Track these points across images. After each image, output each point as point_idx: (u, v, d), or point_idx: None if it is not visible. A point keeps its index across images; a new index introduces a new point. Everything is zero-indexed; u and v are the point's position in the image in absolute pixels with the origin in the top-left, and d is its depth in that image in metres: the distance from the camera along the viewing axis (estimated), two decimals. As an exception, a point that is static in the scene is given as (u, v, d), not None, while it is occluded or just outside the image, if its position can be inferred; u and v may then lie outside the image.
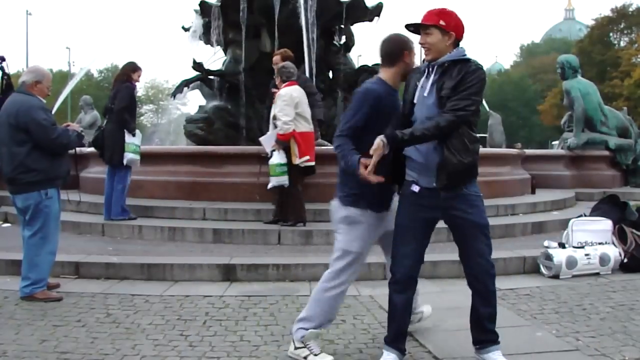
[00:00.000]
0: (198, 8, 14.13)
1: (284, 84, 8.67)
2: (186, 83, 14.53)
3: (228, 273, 7.00)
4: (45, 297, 6.07)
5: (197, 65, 13.94)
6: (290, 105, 8.45)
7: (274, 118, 8.56)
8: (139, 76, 9.87)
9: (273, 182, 8.57)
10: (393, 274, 4.29)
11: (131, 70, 9.79)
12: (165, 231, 8.88)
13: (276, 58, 9.53)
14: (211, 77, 14.47)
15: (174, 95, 15.10)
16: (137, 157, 9.57)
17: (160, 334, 5.06)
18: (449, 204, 4.09)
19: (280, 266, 7.10)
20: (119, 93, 9.61)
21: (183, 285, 6.76)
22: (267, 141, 8.70)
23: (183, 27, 14.96)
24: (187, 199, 10.17)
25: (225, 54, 14.84)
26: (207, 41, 14.63)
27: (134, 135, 9.50)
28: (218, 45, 14.62)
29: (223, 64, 14.72)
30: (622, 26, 67.37)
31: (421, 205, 4.13)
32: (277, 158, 8.48)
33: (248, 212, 9.42)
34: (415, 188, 4.13)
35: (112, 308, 5.84)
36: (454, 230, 4.23)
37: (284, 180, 8.53)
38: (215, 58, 15.59)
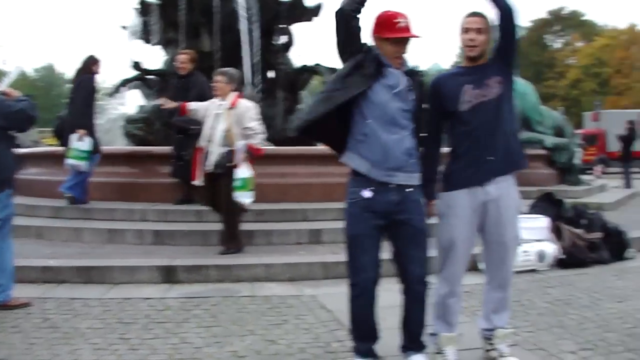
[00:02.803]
0: (137, 7, 13.96)
1: (235, 94, 7.82)
2: (125, 82, 14.35)
3: (169, 275, 6.93)
4: (19, 304, 5.93)
5: (136, 65, 13.78)
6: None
7: (247, 128, 7.60)
8: (99, 68, 10.09)
9: (248, 197, 7.65)
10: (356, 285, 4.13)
11: (91, 63, 10.02)
12: (104, 233, 8.73)
13: (183, 57, 9.52)
14: (150, 76, 14.31)
15: (112, 94, 14.89)
16: (80, 162, 9.59)
17: (100, 338, 4.98)
18: (400, 208, 4.04)
19: (222, 267, 7.07)
20: (81, 84, 9.92)
21: (123, 287, 6.67)
22: (240, 152, 7.69)
23: (122, 26, 14.77)
24: (127, 201, 10.02)
25: (165, 54, 14.68)
26: (147, 40, 14.45)
27: (81, 140, 9.57)
28: (157, 44, 14.46)
29: (163, 64, 14.56)
30: (557, 28, 68.95)
31: (373, 212, 4.02)
32: (249, 171, 7.60)
33: (188, 213, 9.32)
34: (368, 194, 4.02)
35: (50, 313, 5.72)
36: (398, 238, 4.12)
37: (251, 198, 7.75)
38: (154, 57, 15.44)
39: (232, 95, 7.76)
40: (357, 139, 4.02)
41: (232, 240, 7.87)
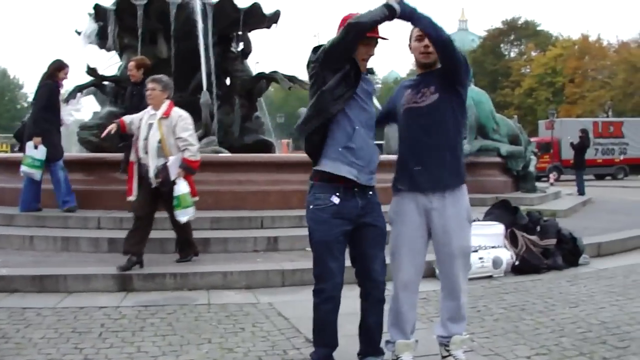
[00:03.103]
0: (92, 12, 13.79)
1: (168, 102, 7.40)
2: (79, 88, 14.16)
3: (124, 283, 6.85)
4: None
5: (91, 71, 13.61)
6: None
7: (179, 139, 7.21)
8: (65, 74, 10.00)
9: (185, 214, 7.32)
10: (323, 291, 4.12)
11: (56, 68, 9.88)
12: (58, 241, 8.58)
13: (130, 65, 9.29)
14: (106, 82, 14.16)
15: (66, 100, 14.66)
16: (33, 170, 9.53)
17: (54, 348, 4.89)
18: (365, 211, 4.09)
19: (178, 275, 7.00)
20: (40, 90, 9.83)
21: (78, 296, 6.56)
22: (173, 166, 7.21)
23: (76, 31, 14.57)
24: (81, 208, 9.87)
25: (121, 59, 14.53)
26: (102, 46, 14.29)
27: (36, 148, 9.52)
28: (113, 50, 14.31)
29: (118, 70, 14.40)
30: (512, 38, 70.01)
31: (342, 218, 4.05)
32: (184, 187, 7.23)
33: (145, 220, 9.22)
34: (337, 200, 4.03)
35: (1, 323, 5.59)
36: (362, 239, 4.15)
37: (193, 212, 7.43)
38: (110, 63, 15.27)
39: (166, 104, 7.35)
40: (346, 146, 4.01)
41: (187, 248, 7.74)
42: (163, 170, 7.14)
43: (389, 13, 3.86)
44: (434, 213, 4.20)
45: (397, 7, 3.86)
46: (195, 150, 7.31)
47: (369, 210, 4.13)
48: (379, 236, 4.20)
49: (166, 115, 7.25)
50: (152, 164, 7.20)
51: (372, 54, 4.07)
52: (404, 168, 4.26)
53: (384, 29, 4.05)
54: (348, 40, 3.89)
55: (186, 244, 7.75)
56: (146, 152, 7.27)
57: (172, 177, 7.12)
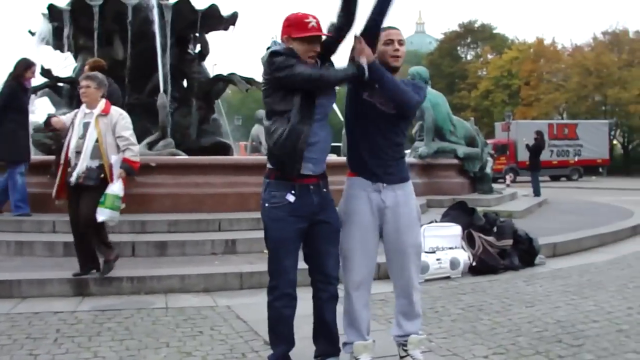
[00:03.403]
0: (46, 12, 13.58)
1: (105, 100, 6.96)
2: (34, 90, 13.90)
3: (80, 287, 6.75)
4: None
5: (46, 72, 13.41)
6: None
7: (120, 138, 6.80)
8: (32, 72, 9.91)
9: (105, 215, 6.60)
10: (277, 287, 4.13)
11: (23, 68, 9.73)
12: (12, 245, 8.42)
13: (85, 68, 9.24)
14: (61, 84, 13.95)
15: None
16: None
17: (7, 355, 4.80)
18: (320, 208, 4.12)
19: (135, 279, 6.92)
20: (2, 92, 9.70)
21: (32, 301, 6.45)
22: (115, 165, 6.76)
23: (30, 31, 14.34)
24: (35, 212, 9.71)
25: (76, 61, 14.33)
26: (57, 47, 14.08)
27: None
28: (68, 51, 14.11)
29: (73, 71, 14.20)
30: (468, 40, 70.72)
31: (298, 216, 4.06)
32: (118, 188, 6.68)
33: (101, 224, 9.11)
34: (292, 198, 4.04)
35: (-47, 328, 5.49)
36: (316, 236, 4.18)
37: (117, 217, 6.77)
38: (65, 64, 15.04)
39: (102, 102, 6.89)
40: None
41: (107, 253, 6.94)
42: (98, 170, 6.66)
43: (359, 74, 3.96)
44: (387, 212, 4.25)
45: (366, 71, 3.95)
46: (137, 150, 6.95)
47: (324, 207, 4.16)
48: (333, 233, 4.22)
49: (105, 112, 6.82)
50: (83, 164, 6.66)
51: (317, 51, 4.08)
52: (358, 156, 4.33)
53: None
54: (306, 86, 3.95)
55: (103, 249, 6.98)
56: (78, 152, 6.72)
57: (114, 177, 6.65)
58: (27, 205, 9.62)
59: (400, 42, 4.24)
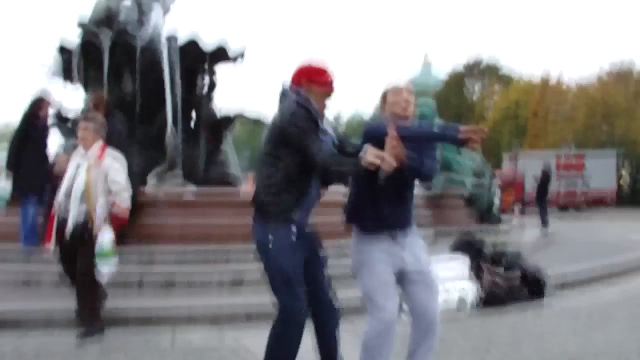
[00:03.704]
0: (58, 45, 13.73)
1: (100, 144, 6.80)
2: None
3: (88, 319, 6.72)
4: None
5: (56, 114, 13.49)
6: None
7: (113, 182, 6.58)
8: (46, 110, 10.11)
9: (111, 265, 6.44)
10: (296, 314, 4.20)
11: (35, 107, 9.97)
12: (20, 276, 8.45)
13: (89, 105, 9.50)
14: (69, 117, 14.03)
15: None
16: None
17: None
18: (311, 245, 4.32)
19: (142, 310, 7.02)
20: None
21: (38, 333, 6.41)
22: (98, 211, 6.53)
23: (42, 64, 14.47)
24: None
25: (86, 93, 14.43)
26: (67, 80, 14.19)
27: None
28: (78, 84, 14.21)
29: (84, 103, 14.29)
30: (474, 80, 71.29)
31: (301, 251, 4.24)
32: (110, 235, 6.44)
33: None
34: (294, 237, 4.19)
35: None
36: (311, 263, 4.32)
37: (115, 264, 6.53)
38: (75, 96, 15.15)
39: (98, 146, 6.72)
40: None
41: (92, 318, 6.47)
42: (84, 220, 6.41)
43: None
44: (404, 254, 4.25)
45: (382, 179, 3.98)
46: (127, 196, 6.66)
47: (314, 243, 4.40)
48: (322, 265, 4.41)
49: (99, 158, 6.62)
50: (74, 209, 6.43)
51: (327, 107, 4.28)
52: (374, 210, 4.29)
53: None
54: (317, 168, 4.11)
55: (91, 313, 6.50)
56: (66, 195, 6.54)
57: (97, 223, 6.40)
58: (35, 237, 9.64)
59: (410, 93, 4.32)
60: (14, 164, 9.75)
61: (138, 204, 9.12)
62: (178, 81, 13.19)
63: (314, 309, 4.30)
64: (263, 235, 4.23)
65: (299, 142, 4.04)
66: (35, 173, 9.80)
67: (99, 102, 9.08)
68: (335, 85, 4.27)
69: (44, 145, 10.15)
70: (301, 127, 4.02)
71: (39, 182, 9.92)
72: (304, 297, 4.18)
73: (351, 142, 4.33)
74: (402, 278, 4.29)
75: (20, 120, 10.04)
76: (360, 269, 4.26)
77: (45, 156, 10.08)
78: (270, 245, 4.19)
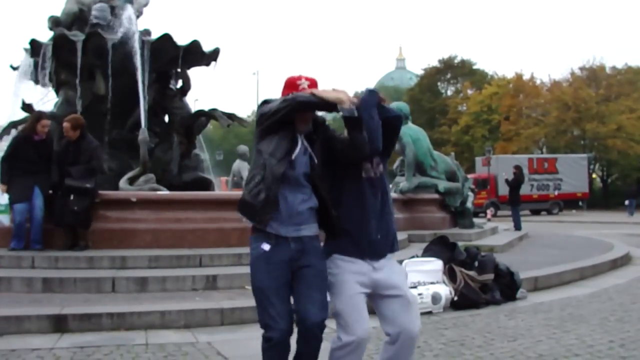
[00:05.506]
0: (28, 46, 13.58)
1: None
2: (14, 125, 13.80)
3: (59, 324, 6.65)
4: None
5: (27, 107, 13.33)
6: None
7: None
8: (42, 126, 9.81)
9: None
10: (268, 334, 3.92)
11: (32, 121, 10.00)
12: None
13: (66, 126, 9.55)
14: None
15: (0, 137, 14.36)
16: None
17: (-17, 393, 4.73)
18: (301, 254, 3.96)
19: (115, 315, 6.84)
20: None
21: (9, 338, 6.32)
22: None
23: (11, 66, 14.33)
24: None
25: (57, 95, 14.30)
26: (38, 81, 14.04)
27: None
28: (50, 86, 14.08)
29: (55, 106, 14.17)
30: (448, 76, 71.30)
31: (275, 263, 3.93)
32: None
33: (80, 259, 9.03)
34: (267, 247, 3.94)
35: None
36: (299, 278, 3.99)
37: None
38: (46, 99, 14.98)
39: None
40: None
41: None
42: None
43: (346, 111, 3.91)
44: (378, 273, 4.09)
45: (355, 112, 3.90)
46: None
47: (306, 252, 4.00)
48: (315, 277, 4.01)
49: None
50: None
51: (310, 115, 4.07)
52: (358, 236, 4.12)
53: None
54: (283, 109, 3.90)
55: None
56: None
57: None
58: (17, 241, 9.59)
59: None
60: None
61: (107, 207, 9.09)
62: (151, 82, 13.13)
63: (298, 325, 4.00)
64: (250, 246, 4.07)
65: (270, 113, 3.90)
66: (24, 183, 9.71)
67: (77, 126, 9.12)
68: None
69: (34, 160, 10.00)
70: (270, 105, 3.94)
71: (27, 191, 9.82)
72: (281, 317, 3.88)
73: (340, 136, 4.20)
74: (375, 297, 4.14)
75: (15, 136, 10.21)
76: (330, 288, 4.09)
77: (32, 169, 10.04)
78: (251, 254, 4.02)
